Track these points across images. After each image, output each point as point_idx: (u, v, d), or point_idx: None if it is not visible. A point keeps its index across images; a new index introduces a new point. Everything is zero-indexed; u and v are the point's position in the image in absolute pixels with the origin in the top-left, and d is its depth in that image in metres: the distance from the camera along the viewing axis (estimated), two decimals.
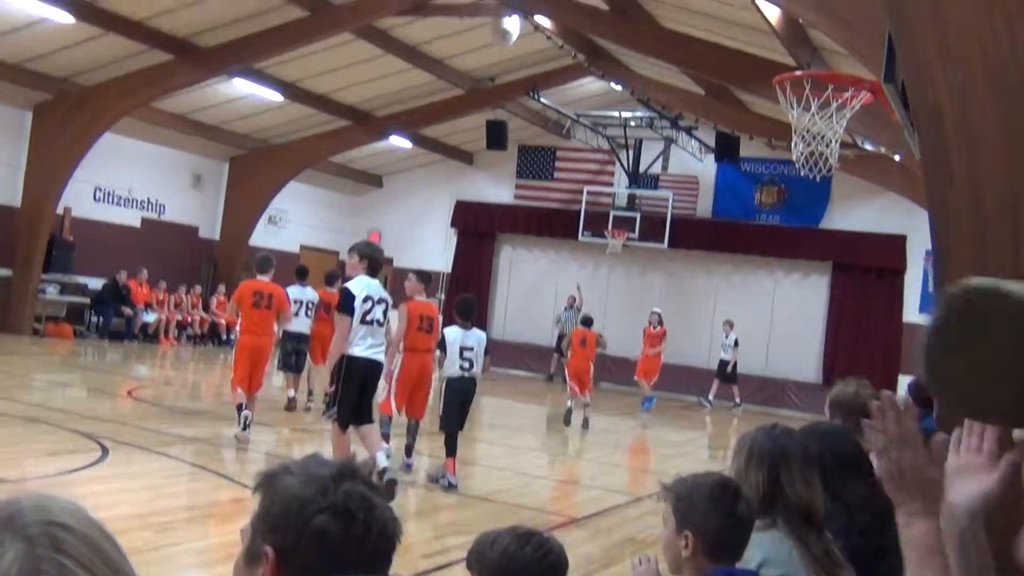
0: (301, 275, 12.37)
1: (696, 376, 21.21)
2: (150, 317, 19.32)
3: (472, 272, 24.56)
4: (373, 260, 8.19)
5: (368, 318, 7.97)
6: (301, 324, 11.85)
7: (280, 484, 1.64)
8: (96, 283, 18.82)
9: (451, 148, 24.42)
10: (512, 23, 15.94)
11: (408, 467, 9.32)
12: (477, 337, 9.17)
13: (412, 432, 9.50)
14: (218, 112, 20.01)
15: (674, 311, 21.56)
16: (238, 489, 7.62)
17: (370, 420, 8.23)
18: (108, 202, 19.62)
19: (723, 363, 20.28)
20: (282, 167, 22.03)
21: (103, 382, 14.02)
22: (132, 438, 9.19)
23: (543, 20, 16.27)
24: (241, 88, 18.59)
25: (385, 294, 8.24)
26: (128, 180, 19.89)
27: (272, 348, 10.95)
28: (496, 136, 21.11)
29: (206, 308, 20.89)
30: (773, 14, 11.39)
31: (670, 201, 21.97)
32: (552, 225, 23.85)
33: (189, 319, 20.37)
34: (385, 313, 8.18)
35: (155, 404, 11.95)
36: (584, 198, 22.58)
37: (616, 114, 21.28)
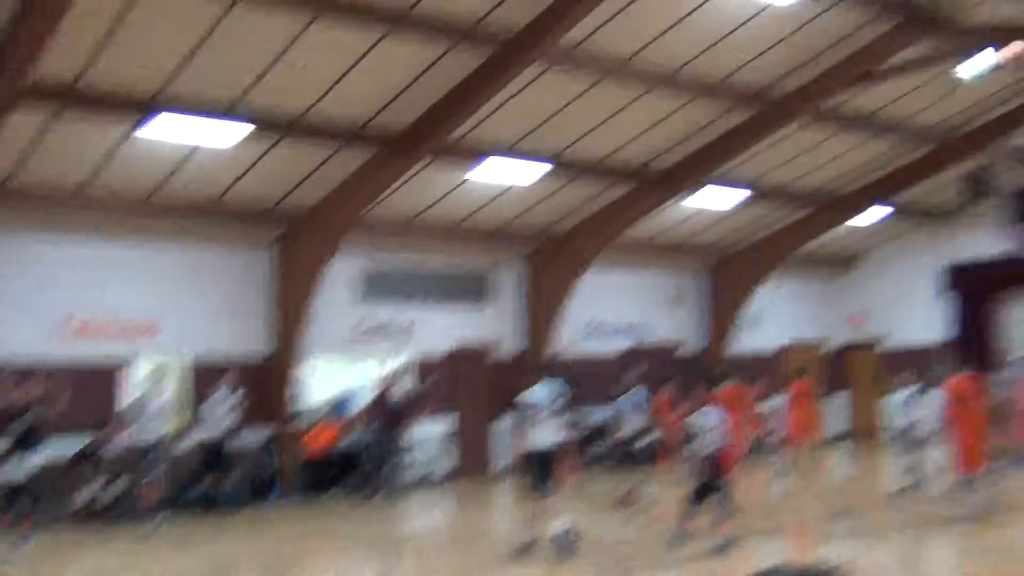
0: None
1: None
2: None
3: (974, 339, 22.32)
4: None
5: None
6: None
7: None
8: (600, 414, 19.63)
9: (929, 210, 22.75)
10: (967, 67, 14.71)
11: None
12: None
13: None
14: (684, 229, 20.45)
15: None
16: None
17: None
18: (599, 334, 20.65)
19: None
20: (756, 267, 21.90)
21: None
22: None
23: (1016, 48, 14.73)
24: (701, 201, 18.83)
25: None
26: (614, 310, 20.84)
27: None
28: (978, 187, 19.38)
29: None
30: None
31: None
32: None
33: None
34: None
35: None
36: None
37: None
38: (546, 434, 10.17)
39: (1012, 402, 15.99)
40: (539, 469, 10.16)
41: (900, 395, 14.47)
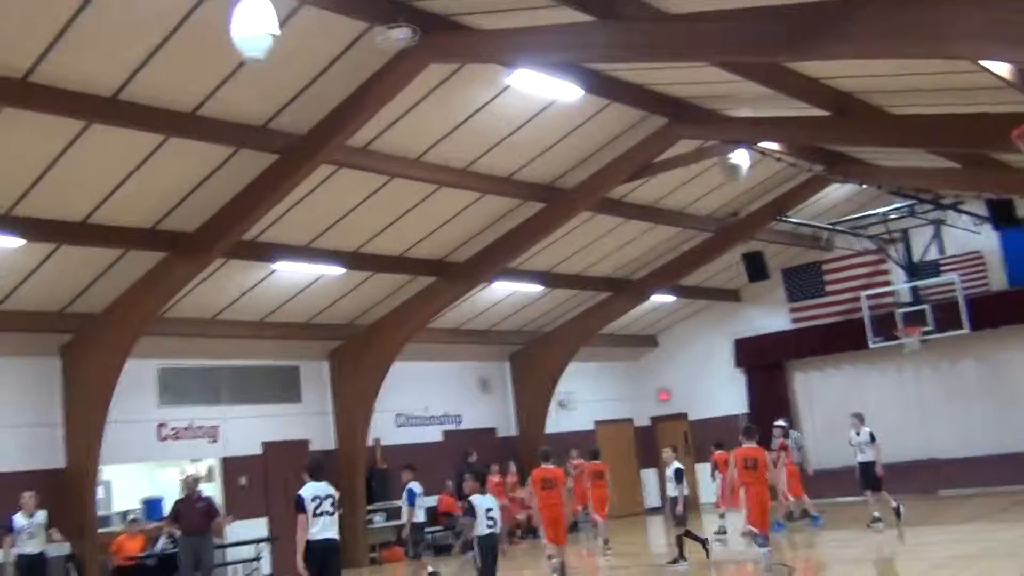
0: (315, 471, 10.43)
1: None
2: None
3: (770, 408, 23.74)
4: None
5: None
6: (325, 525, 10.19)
7: None
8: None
9: (716, 290, 24.28)
10: (739, 156, 15.97)
11: None
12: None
13: None
14: (489, 316, 21.02)
15: (997, 395, 20.19)
16: None
17: None
18: (410, 425, 20.80)
19: (863, 466, 16.74)
20: (560, 351, 22.65)
21: None
22: None
23: (769, 144, 16.19)
24: (503, 289, 19.55)
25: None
26: (423, 400, 21.06)
27: None
28: (756, 267, 20.87)
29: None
30: (1003, 69, 10.78)
31: (958, 284, 20.59)
32: (839, 340, 22.89)
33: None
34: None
35: None
36: (864, 304, 21.59)
37: (873, 212, 20.51)
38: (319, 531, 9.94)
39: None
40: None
41: (668, 469, 15.18)
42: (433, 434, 21.21)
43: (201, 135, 11.81)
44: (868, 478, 16.61)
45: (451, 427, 21.61)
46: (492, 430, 22.47)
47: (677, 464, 15.07)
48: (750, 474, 12.63)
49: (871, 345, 21.28)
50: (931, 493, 21.16)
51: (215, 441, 17.58)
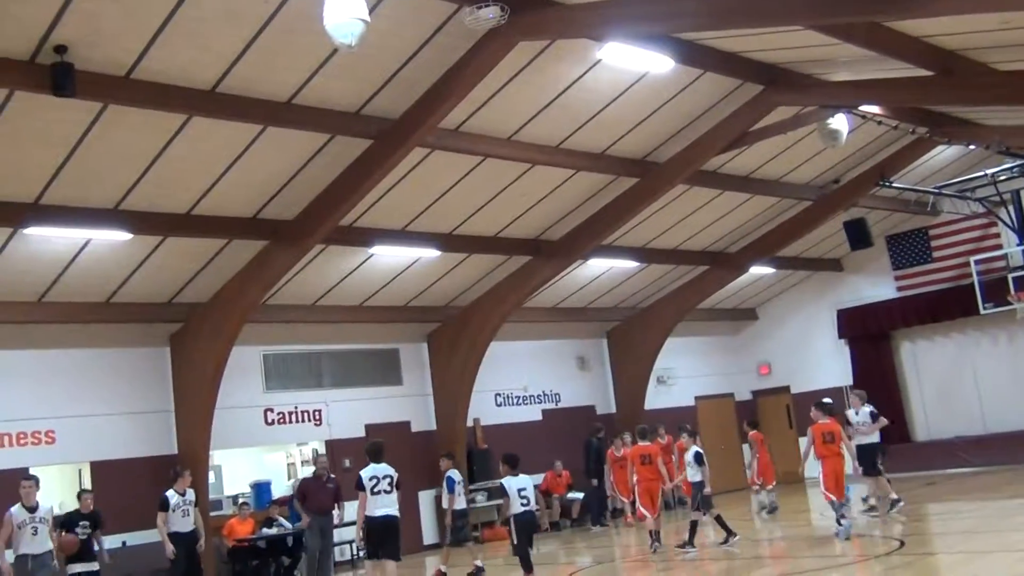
0: (376, 453, 11.36)
1: None
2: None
3: (876, 379, 23.20)
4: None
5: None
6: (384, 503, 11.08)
7: None
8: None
9: (817, 260, 23.74)
10: (839, 121, 15.54)
11: None
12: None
13: None
14: (585, 293, 20.94)
15: None
16: None
17: None
18: (509, 404, 20.89)
19: (862, 450, 15.04)
20: (657, 327, 22.42)
21: None
22: None
23: (870, 107, 15.70)
24: (599, 266, 19.45)
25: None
26: (522, 379, 21.12)
27: None
28: (858, 235, 20.36)
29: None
30: None
31: None
32: (948, 307, 22.22)
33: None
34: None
35: None
36: (974, 269, 20.86)
37: (981, 174, 19.75)
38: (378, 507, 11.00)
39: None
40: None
41: (688, 454, 14.52)
42: (532, 413, 21.25)
43: (297, 124, 11.97)
44: (868, 463, 15.13)
45: (550, 406, 21.62)
46: (591, 407, 22.40)
47: (696, 448, 14.54)
48: (828, 447, 13.39)
49: (982, 312, 20.56)
50: None
51: (319, 424, 17.91)
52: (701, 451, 14.53)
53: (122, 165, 11.91)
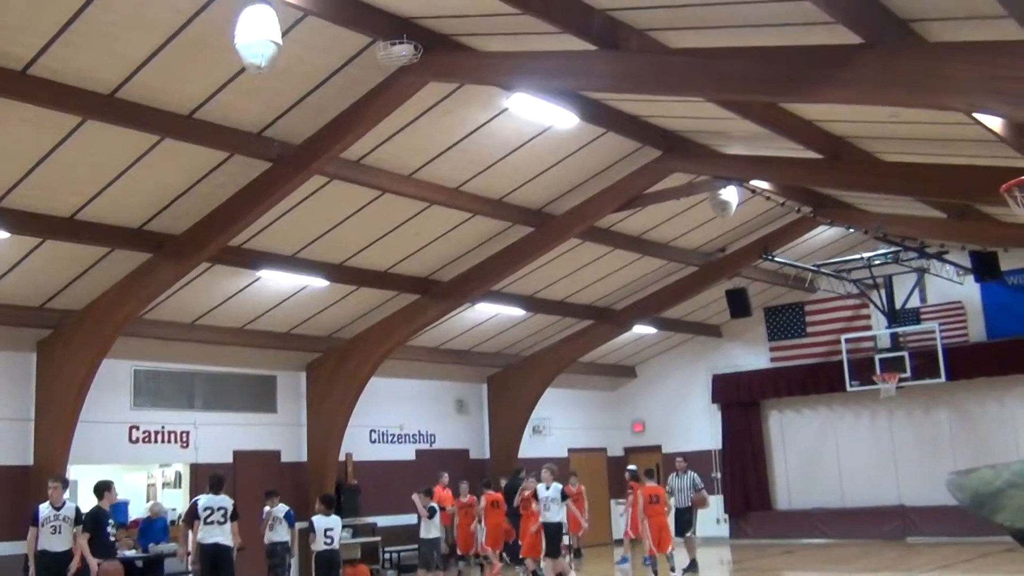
0: (214, 485, 12.94)
1: None
2: None
3: (744, 444, 23.87)
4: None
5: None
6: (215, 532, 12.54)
7: None
8: (384, 521, 19.57)
9: (697, 324, 24.35)
10: (730, 193, 16.05)
11: None
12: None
13: None
14: (469, 337, 20.98)
15: (969, 446, 20.37)
16: None
17: None
18: (383, 442, 20.69)
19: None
20: (538, 376, 22.59)
21: None
22: None
23: (760, 183, 16.28)
24: (486, 311, 19.54)
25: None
26: (399, 417, 20.96)
27: None
28: (738, 304, 20.92)
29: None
30: (995, 123, 10.91)
31: (938, 332, 20.67)
32: (817, 381, 23.02)
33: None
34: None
35: None
36: (844, 347, 21.69)
37: (858, 256, 20.63)
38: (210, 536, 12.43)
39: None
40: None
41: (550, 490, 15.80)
42: (406, 452, 21.10)
43: (196, 138, 11.75)
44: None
45: (424, 446, 21.50)
46: (466, 451, 22.37)
47: (557, 484, 15.78)
48: (653, 508, 15.85)
49: (848, 389, 21.36)
50: (899, 539, 21.23)
51: (186, 447, 17.40)
52: (560, 485, 15.90)
53: (7, 161, 11.50)
